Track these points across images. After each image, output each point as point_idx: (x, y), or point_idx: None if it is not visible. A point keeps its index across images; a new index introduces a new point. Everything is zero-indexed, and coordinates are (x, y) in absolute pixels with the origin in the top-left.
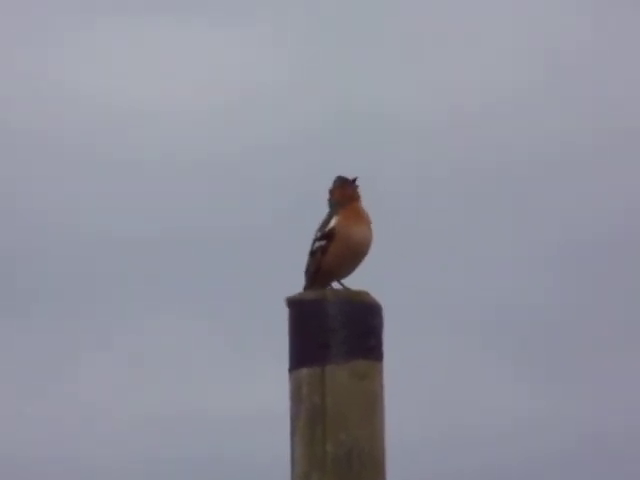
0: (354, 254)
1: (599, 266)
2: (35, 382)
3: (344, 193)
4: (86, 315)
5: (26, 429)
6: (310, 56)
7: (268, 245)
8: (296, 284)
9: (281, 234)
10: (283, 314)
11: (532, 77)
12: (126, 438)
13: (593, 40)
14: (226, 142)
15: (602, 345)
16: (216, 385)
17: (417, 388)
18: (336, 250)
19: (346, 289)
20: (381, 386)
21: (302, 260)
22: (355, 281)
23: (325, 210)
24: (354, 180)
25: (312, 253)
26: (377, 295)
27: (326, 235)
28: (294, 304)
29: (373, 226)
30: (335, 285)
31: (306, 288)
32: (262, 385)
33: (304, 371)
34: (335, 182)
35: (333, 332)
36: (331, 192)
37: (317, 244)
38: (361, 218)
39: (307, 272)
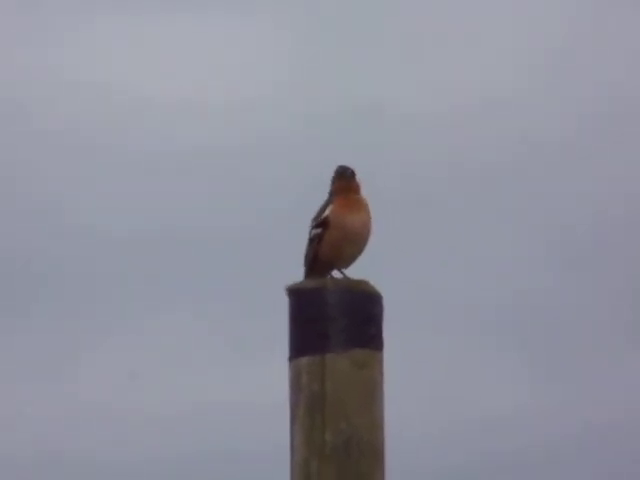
0: (350, 241)
1: (599, 262)
2: (35, 382)
3: (340, 185)
4: (86, 315)
5: (26, 429)
6: (311, 54)
7: (268, 243)
8: (296, 278)
9: (281, 233)
10: (283, 303)
11: (532, 76)
12: (126, 438)
13: (593, 39)
14: (226, 140)
15: (602, 342)
16: (216, 380)
17: (417, 379)
18: (331, 238)
19: (346, 278)
20: (381, 375)
21: (302, 255)
22: (356, 272)
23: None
24: (352, 173)
25: (309, 241)
26: (378, 287)
27: (321, 223)
28: (294, 293)
29: (373, 216)
30: (336, 274)
31: (305, 277)
32: (262, 374)
33: (304, 360)
34: (335, 172)
35: (333, 321)
36: (332, 181)
37: (313, 232)
38: (356, 206)
39: (305, 260)
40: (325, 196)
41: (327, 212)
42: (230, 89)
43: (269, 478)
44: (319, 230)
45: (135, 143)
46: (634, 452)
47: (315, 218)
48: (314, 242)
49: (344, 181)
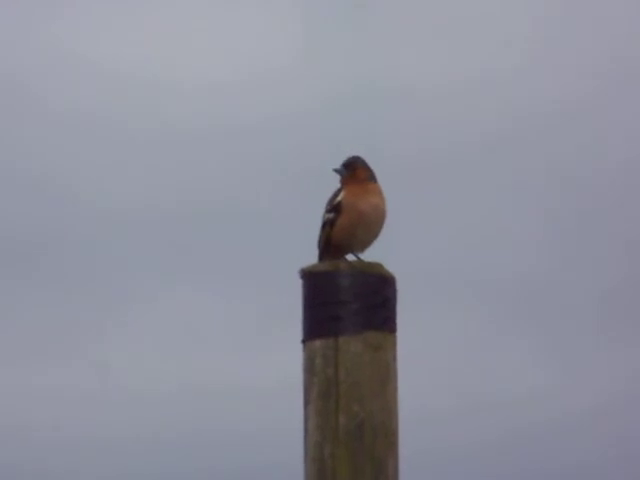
0: (363, 226)
1: (614, 237)
2: (58, 353)
3: (345, 180)
4: (103, 291)
5: (50, 401)
6: (325, 31)
7: (287, 219)
8: (312, 257)
9: (297, 214)
10: (297, 286)
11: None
12: (135, 414)
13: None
14: (243, 115)
15: (615, 314)
16: (230, 362)
17: (431, 361)
18: (343, 222)
19: (360, 261)
20: (394, 358)
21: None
22: (370, 255)
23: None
24: (349, 167)
25: (322, 226)
26: (392, 267)
27: (334, 208)
28: (308, 275)
29: (387, 201)
30: (350, 258)
31: (319, 260)
32: (276, 357)
33: (317, 343)
34: (346, 163)
35: (346, 303)
36: (346, 166)
37: (326, 216)
38: (369, 192)
39: (318, 245)
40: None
41: (339, 197)
42: (244, 67)
43: (282, 461)
44: (332, 215)
45: (154, 120)
46: None
47: (328, 203)
48: (327, 226)
49: (345, 178)
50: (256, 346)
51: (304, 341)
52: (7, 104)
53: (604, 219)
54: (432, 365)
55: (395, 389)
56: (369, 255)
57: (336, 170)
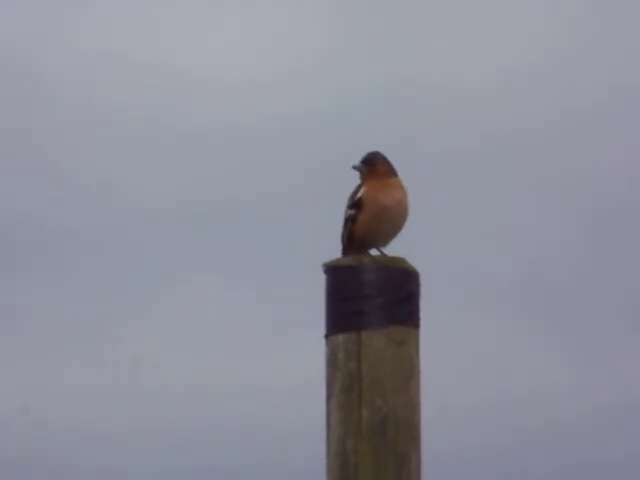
0: (385, 220)
1: (636, 234)
2: (58, 353)
3: (373, 171)
4: (103, 290)
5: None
6: (354, 26)
7: (307, 218)
8: (335, 255)
9: (323, 209)
10: (321, 280)
11: (564, 44)
12: (149, 410)
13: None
14: (275, 108)
15: (636, 314)
16: (251, 356)
17: (454, 356)
18: (365, 217)
19: (383, 255)
20: (417, 352)
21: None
22: (393, 249)
23: None
24: (369, 162)
25: (345, 222)
26: (415, 262)
27: (355, 204)
28: (331, 270)
29: (409, 195)
30: (373, 252)
31: (343, 255)
32: (299, 351)
33: (340, 337)
34: (365, 159)
35: (370, 298)
36: (365, 162)
37: (348, 212)
38: (390, 186)
39: (341, 240)
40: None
41: (360, 193)
42: (261, 67)
43: (305, 456)
44: (353, 211)
45: (175, 117)
46: None
47: (350, 199)
48: (349, 222)
49: (364, 174)
50: (277, 340)
51: (327, 335)
52: (22, 96)
53: (628, 218)
54: (455, 360)
55: (418, 384)
56: (393, 250)
57: (355, 167)
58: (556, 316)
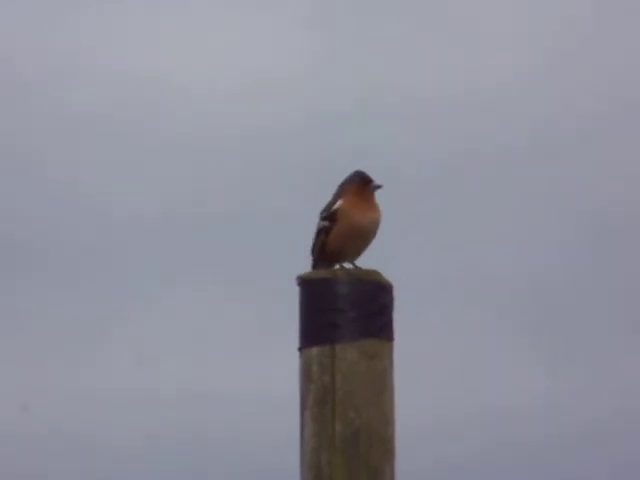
0: (357, 237)
1: (619, 244)
2: (59, 353)
3: (357, 187)
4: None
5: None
6: (336, 40)
7: (281, 230)
8: (308, 267)
9: (303, 214)
10: (295, 293)
11: (547, 59)
12: (128, 418)
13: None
14: (248, 122)
15: (620, 326)
16: (225, 368)
17: (428, 370)
18: (339, 232)
19: (357, 268)
20: (391, 366)
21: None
22: (367, 262)
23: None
24: (372, 184)
25: (317, 233)
26: (390, 275)
27: (330, 216)
28: (305, 282)
29: (382, 211)
30: (346, 265)
31: (313, 268)
32: (272, 364)
33: (314, 350)
34: (355, 174)
35: (343, 311)
36: (348, 180)
37: (321, 224)
38: (366, 202)
39: (312, 252)
40: (334, 188)
41: (337, 205)
42: (246, 74)
43: (279, 468)
44: (327, 223)
45: (164, 127)
46: None
47: (324, 210)
48: (321, 234)
49: (362, 185)
50: (255, 351)
51: (301, 348)
52: (22, 106)
53: (628, 222)
54: (430, 373)
55: (392, 398)
56: (367, 262)
57: (376, 186)
58: (538, 329)
